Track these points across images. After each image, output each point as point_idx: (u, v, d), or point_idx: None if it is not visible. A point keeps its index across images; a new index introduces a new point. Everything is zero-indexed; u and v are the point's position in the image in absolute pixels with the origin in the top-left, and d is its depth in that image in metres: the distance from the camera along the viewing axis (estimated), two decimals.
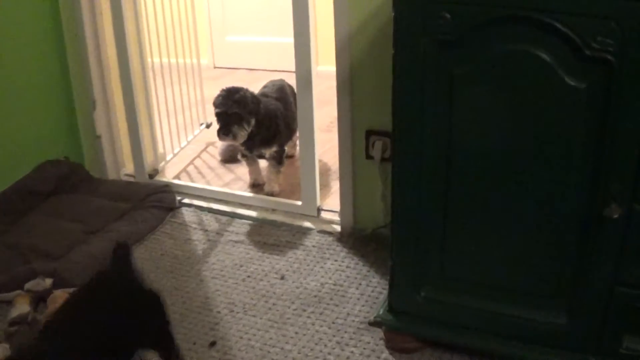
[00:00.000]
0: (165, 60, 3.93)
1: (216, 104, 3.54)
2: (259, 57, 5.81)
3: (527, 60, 1.86)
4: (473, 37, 1.90)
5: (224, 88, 3.57)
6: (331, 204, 3.39)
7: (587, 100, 1.83)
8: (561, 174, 1.94)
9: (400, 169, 2.16)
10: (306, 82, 3.10)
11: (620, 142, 1.83)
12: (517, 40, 1.86)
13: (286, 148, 3.86)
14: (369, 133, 2.92)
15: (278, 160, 3.72)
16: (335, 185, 3.54)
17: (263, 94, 3.78)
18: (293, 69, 3.14)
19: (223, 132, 3.49)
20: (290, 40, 3.11)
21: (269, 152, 3.71)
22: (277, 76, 4.25)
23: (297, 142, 3.91)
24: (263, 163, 3.83)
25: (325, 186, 3.52)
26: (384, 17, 2.68)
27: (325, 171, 3.74)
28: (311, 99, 3.12)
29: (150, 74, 3.78)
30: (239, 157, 3.96)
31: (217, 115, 3.53)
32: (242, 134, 3.52)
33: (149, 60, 3.75)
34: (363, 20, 2.78)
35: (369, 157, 2.96)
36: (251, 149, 3.70)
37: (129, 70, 3.57)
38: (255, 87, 3.80)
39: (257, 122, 3.56)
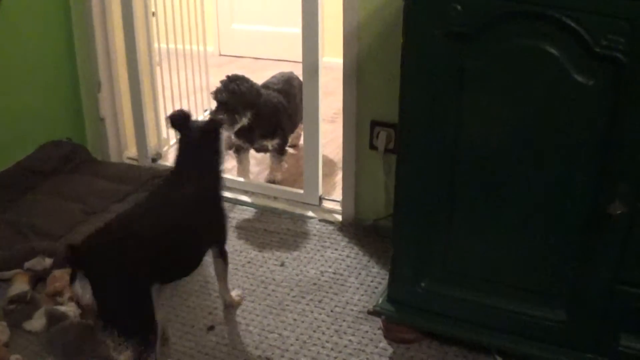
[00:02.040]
0: (172, 46, 3.93)
1: (214, 90, 3.52)
2: (265, 46, 5.79)
3: (536, 55, 1.87)
4: (483, 30, 1.91)
5: (227, 75, 3.55)
6: (332, 194, 3.40)
7: (595, 98, 1.84)
8: (567, 170, 1.95)
9: (405, 160, 2.17)
10: (313, 72, 3.10)
11: (627, 141, 1.84)
12: (528, 36, 1.88)
13: (289, 139, 3.86)
14: (374, 123, 2.93)
15: (279, 151, 3.71)
16: (336, 177, 3.55)
17: (265, 86, 3.75)
18: (298, 59, 3.14)
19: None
20: (296, 30, 3.11)
21: (270, 144, 3.68)
22: (281, 66, 4.24)
23: (302, 133, 3.90)
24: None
25: (327, 176, 3.52)
26: (393, 9, 2.69)
27: (327, 162, 3.73)
28: (317, 89, 3.13)
29: (157, 59, 3.78)
30: (232, 151, 3.93)
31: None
32: (231, 126, 3.44)
33: (156, 45, 3.76)
34: (372, 10, 2.78)
35: (372, 147, 2.96)
36: (252, 141, 3.67)
37: (135, 54, 3.57)
38: (260, 76, 3.80)
39: (256, 115, 3.51)
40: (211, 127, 2.44)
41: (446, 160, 2.10)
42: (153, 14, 3.71)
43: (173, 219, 2.24)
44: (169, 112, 3.85)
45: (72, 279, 2.00)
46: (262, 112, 3.55)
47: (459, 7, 1.90)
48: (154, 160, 3.77)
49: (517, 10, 1.86)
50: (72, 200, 3.30)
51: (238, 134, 3.56)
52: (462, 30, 1.92)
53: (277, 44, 5.66)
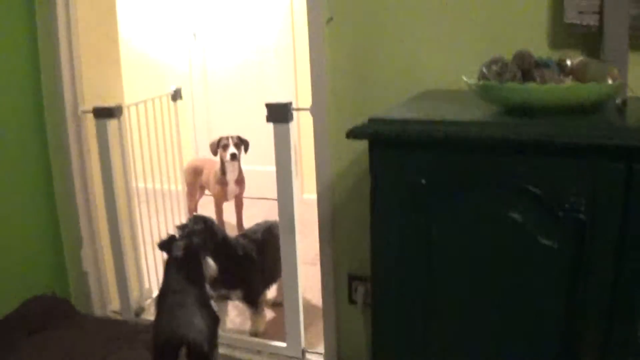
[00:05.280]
0: (150, 186, 3.99)
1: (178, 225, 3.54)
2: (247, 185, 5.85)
3: (500, 220, 1.92)
4: (448, 199, 1.97)
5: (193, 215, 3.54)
6: (316, 343, 3.39)
7: (560, 258, 1.88)
8: (535, 327, 1.97)
9: (380, 315, 2.19)
10: (289, 226, 3.14)
11: (591, 297, 1.86)
12: (491, 202, 1.93)
13: (267, 293, 3.86)
14: (352, 278, 2.96)
15: (248, 302, 3.67)
16: (320, 325, 3.54)
17: (244, 235, 3.75)
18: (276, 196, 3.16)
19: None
20: (272, 168, 3.11)
21: (234, 295, 3.65)
22: (259, 203, 4.23)
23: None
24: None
25: (310, 324, 3.51)
26: (364, 166, 2.75)
27: (309, 308, 3.72)
28: (294, 244, 3.16)
29: (136, 203, 3.84)
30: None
31: None
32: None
33: (134, 186, 3.81)
34: (344, 167, 2.86)
35: (352, 301, 2.98)
36: (213, 287, 3.59)
37: (115, 211, 3.64)
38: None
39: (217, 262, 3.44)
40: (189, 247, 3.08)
41: (418, 313, 2.11)
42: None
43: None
44: (150, 260, 3.91)
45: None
46: (222, 260, 3.47)
47: (423, 181, 1.96)
48: (137, 314, 3.78)
49: (479, 180, 1.92)
50: (57, 357, 3.30)
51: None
52: (427, 200, 1.98)
53: (256, 183, 5.71)
